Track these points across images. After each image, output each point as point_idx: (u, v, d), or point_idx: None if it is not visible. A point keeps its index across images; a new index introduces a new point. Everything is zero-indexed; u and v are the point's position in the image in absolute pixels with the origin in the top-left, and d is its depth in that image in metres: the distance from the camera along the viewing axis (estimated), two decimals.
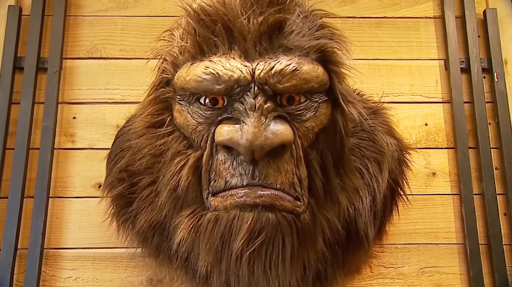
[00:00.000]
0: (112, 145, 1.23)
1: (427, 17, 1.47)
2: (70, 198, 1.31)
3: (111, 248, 1.27)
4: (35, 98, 1.33)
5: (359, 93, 1.25)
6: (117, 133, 1.24)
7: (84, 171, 1.32)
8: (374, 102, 1.26)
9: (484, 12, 1.43)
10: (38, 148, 1.30)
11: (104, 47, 1.41)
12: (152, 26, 1.41)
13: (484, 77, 1.40)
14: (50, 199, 1.28)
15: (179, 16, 0.98)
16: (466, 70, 1.40)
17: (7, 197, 1.25)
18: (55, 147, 1.32)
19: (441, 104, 1.41)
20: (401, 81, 1.42)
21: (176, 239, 0.93)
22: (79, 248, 1.28)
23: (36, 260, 1.22)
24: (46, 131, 1.30)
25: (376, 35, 1.44)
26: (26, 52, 1.34)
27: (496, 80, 1.37)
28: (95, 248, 1.28)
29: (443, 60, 1.42)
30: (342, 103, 0.89)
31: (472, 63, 1.39)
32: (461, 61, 1.40)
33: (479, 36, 1.42)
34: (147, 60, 1.30)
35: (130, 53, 1.40)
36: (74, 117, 1.36)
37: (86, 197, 1.31)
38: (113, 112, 1.36)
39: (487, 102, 1.38)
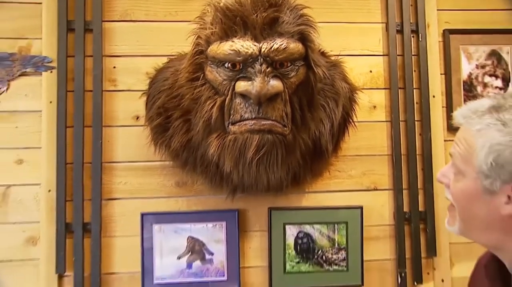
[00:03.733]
0: (149, 89, 1.59)
1: None
2: (117, 126, 1.68)
3: (148, 161, 1.67)
4: (85, 53, 1.65)
5: (323, 51, 1.62)
6: (152, 80, 1.59)
7: (125, 107, 1.69)
8: (333, 56, 1.65)
9: None
10: (91, 91, 1.65)
11: (134, 12, 1.71)
12: None
13: (413, 37, 1.77)
14: (103, 127, 1.65)
15: None
16: (400, 31, 1.76)
17: (72, 126, 1.62)
18: (103, 89, 1.66)
19: (382, 57, 1.78)
20: (354, 40, 1.77)
21: (208, 152, 1.35)
22: (126, 161, 1.68)
23: (98, 170, 1.63)
24: (96, 78, 1.65)
25: (336, 3, 1.78)
26: (74, 16, 1.65)
27: (420, 39, 1.76)
28: (137, 161, 1.68)
29: (385, 24, 1.78)
30: (314, 66, 1.32)
31: (405, 26, 1.76)
32: (397, 25, 1.76)
33: (411, 5, 1.78)
34: (168, 22, 1.69)
35: (153, 17, 1.71)
36: (114, 67, 1.69)
37: (128, 125, 1.69)
38: (143, 63, 1.69)
39: (413, 55, 1.76)
